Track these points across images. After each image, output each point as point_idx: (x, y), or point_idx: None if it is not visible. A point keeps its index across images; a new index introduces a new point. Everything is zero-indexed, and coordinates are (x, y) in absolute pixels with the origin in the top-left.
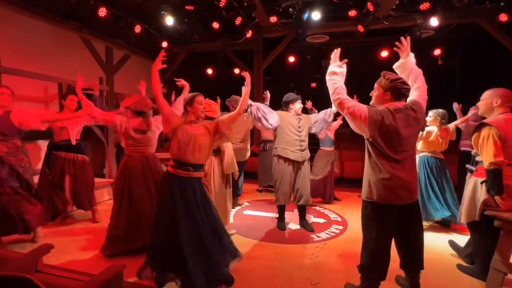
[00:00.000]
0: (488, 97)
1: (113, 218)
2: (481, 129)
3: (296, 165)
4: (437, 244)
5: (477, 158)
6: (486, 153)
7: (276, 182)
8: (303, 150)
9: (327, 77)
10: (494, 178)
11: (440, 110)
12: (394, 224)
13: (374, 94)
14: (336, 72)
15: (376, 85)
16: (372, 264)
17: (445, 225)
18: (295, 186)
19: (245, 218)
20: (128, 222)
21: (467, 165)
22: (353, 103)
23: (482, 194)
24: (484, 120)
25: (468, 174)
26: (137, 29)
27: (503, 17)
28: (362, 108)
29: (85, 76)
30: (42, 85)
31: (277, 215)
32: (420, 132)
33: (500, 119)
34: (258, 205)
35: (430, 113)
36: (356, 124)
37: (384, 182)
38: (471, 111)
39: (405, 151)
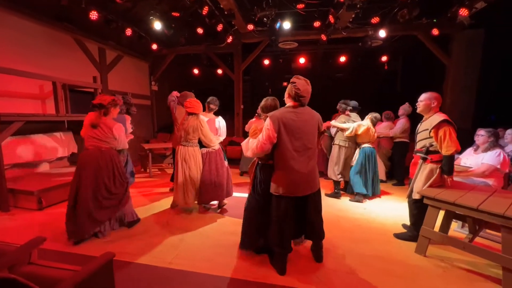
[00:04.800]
0: (427, 99)
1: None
2: (440, 126)
3: None
4: (379, 215)
5: (431, 148)
6: (448, 143)
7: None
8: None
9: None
10: (452, 162)
11: (377, 116)
12: (293, 208)
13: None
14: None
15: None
16: (276, 237)
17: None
18: None
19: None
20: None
21: (419, 154)
22: (258, 138)
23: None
24: (443, 119)
25: (421, 161)
26: (128, 32)
27: (435, 31)
28: (265, 127)
29: (79, 75)
30: (37, 83)
31: None
32: (352, 127)
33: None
34: (239, 187)
35: (369, 115)
36: (272, 138)
37: (286, 177)
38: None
39: (304, 144)
